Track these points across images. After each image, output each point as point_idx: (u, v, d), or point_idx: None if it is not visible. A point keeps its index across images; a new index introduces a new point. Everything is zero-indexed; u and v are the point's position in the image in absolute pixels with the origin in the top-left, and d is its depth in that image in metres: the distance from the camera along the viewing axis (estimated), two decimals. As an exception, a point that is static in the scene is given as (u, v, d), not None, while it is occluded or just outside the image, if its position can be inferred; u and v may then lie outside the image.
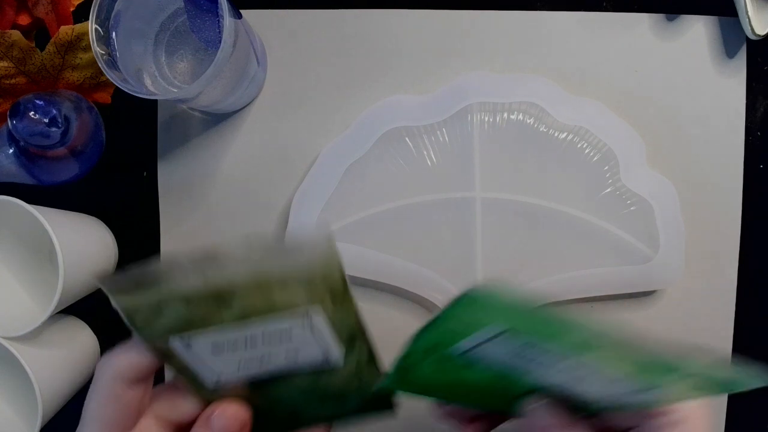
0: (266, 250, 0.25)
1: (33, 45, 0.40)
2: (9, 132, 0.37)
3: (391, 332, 0.34)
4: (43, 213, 0.36)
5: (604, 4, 0.42)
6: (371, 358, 0.30)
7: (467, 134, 0.40)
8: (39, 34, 0.42)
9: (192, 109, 0.43)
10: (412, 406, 0.33)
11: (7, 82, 0.41)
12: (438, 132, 0.40)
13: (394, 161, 0.41)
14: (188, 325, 0.26)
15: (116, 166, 0.43)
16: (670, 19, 0.42)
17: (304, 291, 0.26)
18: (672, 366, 0.23)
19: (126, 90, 0.34)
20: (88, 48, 0.40)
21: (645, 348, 0.23)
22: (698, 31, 0.42)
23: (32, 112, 0.37)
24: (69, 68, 0.41)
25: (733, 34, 0.42)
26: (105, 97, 0.43)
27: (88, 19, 0.34)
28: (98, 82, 0.42)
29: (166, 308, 0.26)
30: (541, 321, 0.23)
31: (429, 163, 0.40)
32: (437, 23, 0.42)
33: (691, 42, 0.42)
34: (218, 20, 0.35)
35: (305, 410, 0.31)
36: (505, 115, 0.40)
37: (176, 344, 0.26)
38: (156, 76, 0.37)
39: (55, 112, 0.38)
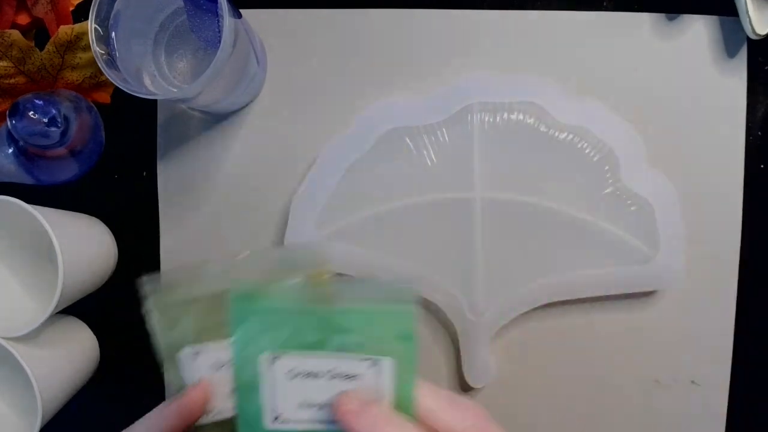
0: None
1: (32, 45, 0.40)
2: (8, 132, 0.37)
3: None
4: (43, 213, 0.36)
5: (604, 3, 0.42)
6: None
7: (467, 134, 0.40)
8: (38, 33, 0.42)
9: (192, 109, 0.43)
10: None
11: (7, 81, 0.41)
12: (438, 132, 0.40)
13: (394, 161, 0.40)
14: (200, 334, 0.28)
15: (116, 166, 0.43)
16: (670, 19, 0.42)
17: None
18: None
19: (126, 90, 0.34)
20: (87, 48, 0.40)
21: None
22: (699, 30, 0.42)
23: (31, 112, 0.37)
24: (68, 68, 0.41)
25: (733, 33, 0.42)
26: (105, 97, 0.43)
27: (87, 19, 0.34)
28: (98, 81, 0.42)
29: (192, 308, 0.28)
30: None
31: (429, 163, 0.40)
32: (437, 23, 0.42)
33: (691, 41, 0.42)
34: (218, 20, 0.35)
35: None
36: (506, 115, 0.40)
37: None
38: (156, 76, 0.37)
39: (54, 111, 0.38)
